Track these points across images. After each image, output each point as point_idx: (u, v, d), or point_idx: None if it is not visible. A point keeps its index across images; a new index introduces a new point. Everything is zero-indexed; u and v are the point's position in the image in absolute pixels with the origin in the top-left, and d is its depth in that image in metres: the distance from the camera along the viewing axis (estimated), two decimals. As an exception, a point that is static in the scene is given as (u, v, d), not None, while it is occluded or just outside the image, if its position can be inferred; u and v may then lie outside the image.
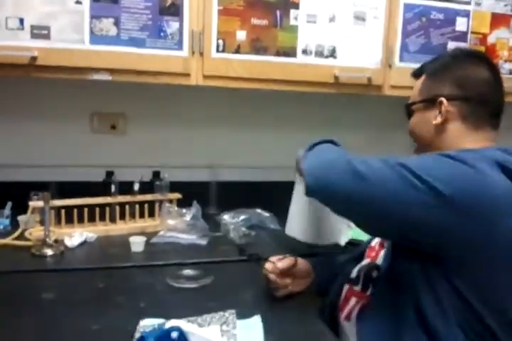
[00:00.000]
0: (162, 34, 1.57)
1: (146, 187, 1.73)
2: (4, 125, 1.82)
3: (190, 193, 1.73)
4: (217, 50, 1.62)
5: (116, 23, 1.52)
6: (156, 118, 1.95)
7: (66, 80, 1.55)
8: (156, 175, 1.92)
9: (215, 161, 2.01)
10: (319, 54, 1.71)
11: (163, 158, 1.96)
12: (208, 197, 1.98)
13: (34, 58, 1.44)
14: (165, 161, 1.94)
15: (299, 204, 1.43)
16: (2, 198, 1.65)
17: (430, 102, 1.10)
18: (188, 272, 1.27)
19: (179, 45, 1.59)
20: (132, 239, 1.45)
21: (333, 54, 1.72)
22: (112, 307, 1.10)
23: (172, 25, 1.57)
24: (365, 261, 1.22)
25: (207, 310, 1.06)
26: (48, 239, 1.40)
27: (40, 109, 1.84)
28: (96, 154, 1.90)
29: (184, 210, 1.60)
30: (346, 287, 1.20)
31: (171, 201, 1.72)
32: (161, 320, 1.01)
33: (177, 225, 1.58)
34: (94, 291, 1.20)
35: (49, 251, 1.39)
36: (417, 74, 1.17)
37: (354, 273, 1.21)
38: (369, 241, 1.29)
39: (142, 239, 1.46)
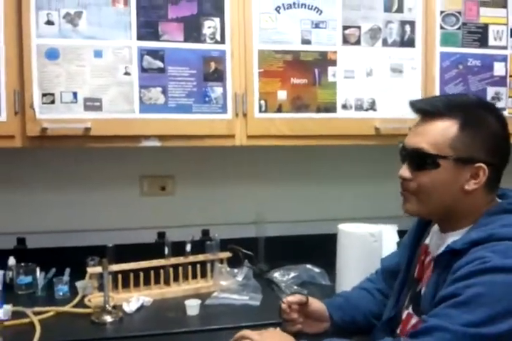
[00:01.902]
0: (207, 99, 1.63)
1: (198, 247, 1.75)
2: (59, 192, 1.88)
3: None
4: (260, 111, 1.67)
5: (164, 92, 1.59)
6: (203, 178, 1.99)
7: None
8: (206, 233, 1.96)
9: (261, 216, 2.02)
10: (359, 107, 1.74)
11: (211, 216, 1.98)
12: (257, 252, 1.98)
13: (88, 129, 1.52)
14: (213, 219, 1.97)
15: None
16: (60, 264, 1.69)
17: (463, 162, 1.02)
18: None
19: (223, 109, 1.65)
20: (188, 303, 1.46)
21: (372, 107, 1.75)
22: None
23: (216, 90, 1.64)
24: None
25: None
26: (107, 306, 1.41)
27: (91, 176, 1.90)
28: (146, 216, 1.94)
29: (236, 270, 1.61)
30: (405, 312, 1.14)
31: (221, 260, 1.72)
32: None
33: (230, 286, 1.58)
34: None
35: (108, 318, 1.40)
36: (431, 112, 1.05)
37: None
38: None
39: (197, 302, 1.47)
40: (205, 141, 1.64)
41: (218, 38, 1.64)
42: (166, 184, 1.98)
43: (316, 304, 1.28)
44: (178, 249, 1.71)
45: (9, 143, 1.50)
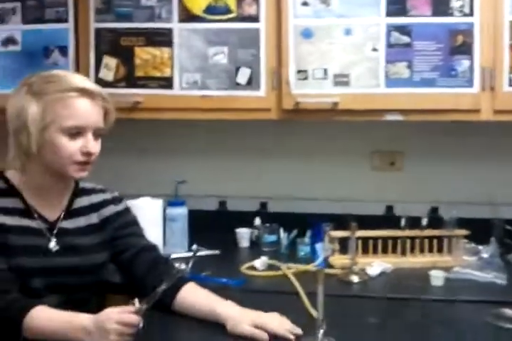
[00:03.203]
0: (453, 73, 1.61)
1: (430, 223, 1.75)
2: (301, 162, 2.03)
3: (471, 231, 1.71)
4: (510, 84, 1.59)
5: (409, 66, 1.62)
6: (433, 155, 1.98)
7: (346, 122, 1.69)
8: (434, 211, 1.95)
9: (498, 197, 1.93)
10: None
11: (439, 193, 1.96)
12: (489, 235, 1.90)
13: (336, 104, 1.62)
14: (441, 197, 1.94)
15: None
16: (303, 227, 1.84)
17: None
18: (509, 312, 1.23)
19: (469, 82, 1.61)
20: (433, 273, 1.48)
21: None
22: (434, 337, 1.13)
23: (463, 64, 1.61)
24: None
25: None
26: (354, 267, 1.51)
27: (329, 149, 2.02)
28: (375, 189, 2.00)
29: (480, 247, 1.57)
30: None
31: (456, 237, 1.70)
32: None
33: (472, 262, 1.55)
34: (408, 320, 1.25)
35: (355, 278, 1.50)
36: None
37: None
38: None
39: (443, 273, 1.48)
40: (449, 116, 1.63)
41: (467, 10, 1.60)
42: (395, 159, 2.01)
43: None
44: (409, 223, 1.74)
45: (266, 115, 1.68)
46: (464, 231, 1.70)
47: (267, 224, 1.88)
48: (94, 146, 1.15)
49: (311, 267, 1.59)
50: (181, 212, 1.81)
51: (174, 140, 2.07)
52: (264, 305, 1.31)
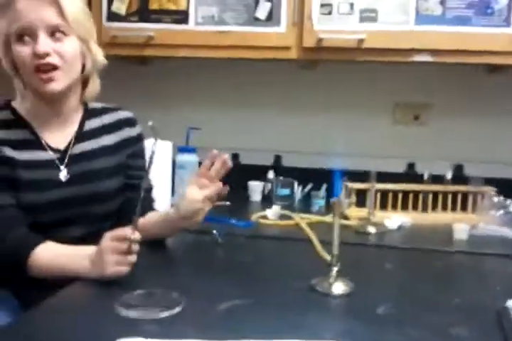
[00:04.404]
0: (489, 11, 1.47)
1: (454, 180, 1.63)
2: (318, 114, 1.92)
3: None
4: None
5: (442, 2, 1.48)
6: (460, 109, 1.84)
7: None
8: (459, 169, 1.82)
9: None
10: None
11: (465, 151, 1.83)
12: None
13: (361, 41, 1.49)
14: (467, 154, 1.81)
15: None
16: (318, 182, 1.73)
17: None
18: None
19: (507, 21, 1.47)
20: (457, 226, 1.36)
21: None
22: (474, 288, 1.03)
23: (500, 1, 1.46)
24: None
25: None
26: (371, 217, 1.41)
27: (349, 100, 1.89)
28: (397, 145, 1.87)
29: (508, 201, 1.45)
30: None
31: (481, 194, 1.58)
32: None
33: (499, 218, 1.43)
34: (429, 268, 1.15)
35: (373, 229, 1.40)
36: None
37: None
38: None
39: (466, 226, 1.36)
40: (484, 58, 1.49)
41: None
42: (419, 113, 1.88)
43: None
44: (431, 179, 1.62)
45: (285, 54, 1.56)
46: (490, 188, 1.58)
47: (281, 178, 1.77)
48: (42, 45, 1.00)
49: (326, 218, 1.49)
50: (192, 159, 1.69)
51: (186, 85, 1.96)
52: (274, 251, 1.26)
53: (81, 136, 1.15)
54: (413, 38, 1.49)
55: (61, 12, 1.01)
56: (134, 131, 1.22)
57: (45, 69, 1.01)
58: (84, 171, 1.12)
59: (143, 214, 1.09)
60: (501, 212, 1.45)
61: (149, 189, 1.26)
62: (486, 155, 1.82)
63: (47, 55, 1.01)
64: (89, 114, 1.18)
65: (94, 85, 1.16)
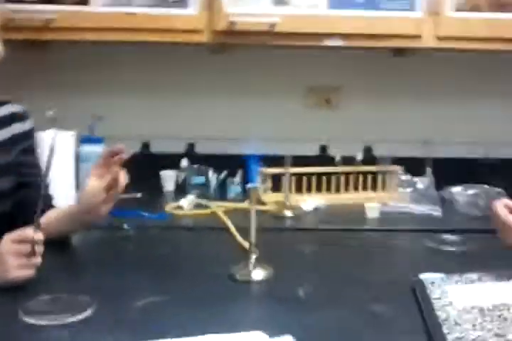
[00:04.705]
0: (396, -5, 1.50)
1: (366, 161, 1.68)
2: (227, 99, 1.89)
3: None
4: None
5: (353, -15, 1.49)
6: (370, 91, 1.89)
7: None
8: (368, 150, 1.88)
9: (431, 137, 1.89)
10: None
11: (375, 132, 1.89)
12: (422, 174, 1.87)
13: (273, 25, 1.46)
14: (376, 135, 1.87)
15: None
16: (233, 169, 1.71)
17: None
18: (447, 237, 1.18)
19: (412, 6, 1.51)
20: (368, 205, 1.40)
21: None
22: (388, 264, 1.07)
23: (406, -14, 1.50)
24: None
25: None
26: (286, 202, 1.41)
27: (260, 84, 1.88)
28: (310, 128, 1.89)
29: (416, 179, 1.51)
30: None
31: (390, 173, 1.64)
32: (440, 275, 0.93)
33: (407, 195, 1.50)
34: (345, 248, 1.17)
35: (289, 213, 1.41)
36: None
37: None
38: None
39: (377, 205, 1.41)
40: (392, 42, 1.53)
41: None
42: (330, 96, 1.90)
43: None
44: (343, 161, 1.66)
45: (197, 37, 1.50)
46: (397, 167, 1.64)
47: (195, 166, 1.73)
48: None
49: (242, 205, 1.47)
50: (98, 150, 1.59)
51: (90, 71, 1.84)
52: (191, 242, 1.23)
53: None
54: (324, 22, 1.49)
55: None
56: (25, 126, 1.13)
57: None
58: None
59: (42, 212, 1.01)
60: (409, 189, 1.50)
61: (47, 186, 1.16)
62: (393, 135, 1.88)
63: None
64: None
65: None
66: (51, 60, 1.81)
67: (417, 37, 1.52)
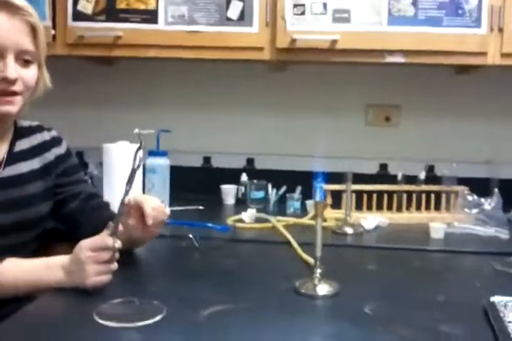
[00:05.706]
0: (460, 12, 1.49)
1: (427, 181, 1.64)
2: (288, 117, 1.91)
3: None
4: (520, 25, 1.47)
5: (414, 3, 1.49)
6: (431, 110, 1.86)
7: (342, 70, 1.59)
8: (431, 169, 1.84)
9: (495, 156, 1.83)
10: None
11: (435, 151, 1.85)
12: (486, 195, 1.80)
13: (334, 42, 1.48)
14: (438, 154, 1.84)
15: None
16: (292, 184, 1.71)
17: None
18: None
19: (477, 22, 1.49)
20: (433, 225, 1.37)
21: None
22: (456, 285, 1.03)
23: (470, 1, 1.48)
24: None
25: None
26: (348, 218, 1.40)
27: (319, 103, 1.89)
28: (369, 146, 1.88)
29: (482, 199, 1.46)
30: None
31: (454, 194, 1.60)
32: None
33: (473, 216, 1.45)
34: (410, 267, 1.15)
35: (350, 230, 1.39)
36: None
37: None
38: None
39: (443, 225, 1.37)
40: (454, 58, 1.51)
41: None
42: (391, 114, 1.89)
43: None
44: (405, 180, 1.63)
45: (258, 55, 1.53)
46: (464, 188, 1.59)
47: (255, 181, 1.75)
48: (13, 71, 0.95)
49: (303, 220, 1.47)
50: (163, 163, 1.65)
51: (155, 87, 1.92)
52: (254, 254, 1.24)
53: (12, 157, 1.08)
54: (385, 39, 1.49)
55: (35, 40, 1.00)
56: (61, 150, 1.18)
57: (7, 93, 0.98)
58: (12, 198, 1.05)
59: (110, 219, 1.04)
60: (475, 210, 1.46)
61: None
62: (455, 155, 1.84)
63: (15, 81, 0.97)
64: (19, 133, 1.12)
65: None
66: (116, 74, 1.90)
67: (482, 54, 1.49)
